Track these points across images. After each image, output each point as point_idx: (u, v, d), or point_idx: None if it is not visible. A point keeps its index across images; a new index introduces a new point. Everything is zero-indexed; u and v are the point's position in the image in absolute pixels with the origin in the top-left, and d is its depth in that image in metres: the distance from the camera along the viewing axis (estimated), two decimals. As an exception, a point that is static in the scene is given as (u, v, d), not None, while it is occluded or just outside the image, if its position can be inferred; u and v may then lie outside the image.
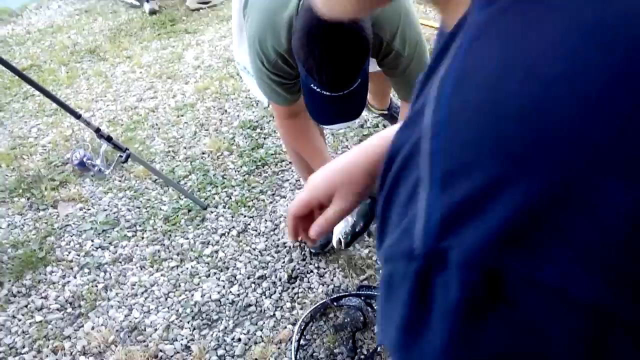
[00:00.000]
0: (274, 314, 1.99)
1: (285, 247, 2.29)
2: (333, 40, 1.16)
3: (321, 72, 1.19)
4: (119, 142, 2.22)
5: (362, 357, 1.79)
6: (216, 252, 2.31)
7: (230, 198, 2.62)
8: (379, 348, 1.80)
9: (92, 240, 2.42)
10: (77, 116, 2.12)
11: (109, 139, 2.17)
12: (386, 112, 2.49)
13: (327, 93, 1.23)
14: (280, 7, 1.34)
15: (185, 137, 3.15)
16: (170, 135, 3.19)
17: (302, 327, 1.90)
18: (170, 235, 2.42)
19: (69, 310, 2.09)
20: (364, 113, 2.63)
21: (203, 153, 2.99)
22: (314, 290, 2.07)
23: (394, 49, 1.43)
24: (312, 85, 1.24)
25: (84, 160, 2.15)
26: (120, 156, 2.16)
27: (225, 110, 3.39)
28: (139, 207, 2.61)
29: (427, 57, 1.58)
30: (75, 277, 2.23)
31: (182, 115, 3.38)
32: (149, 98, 3.64)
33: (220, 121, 3.28)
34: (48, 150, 3.14)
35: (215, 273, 2.20)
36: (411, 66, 1.53)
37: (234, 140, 3.06)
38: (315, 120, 1.45)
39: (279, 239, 2.33)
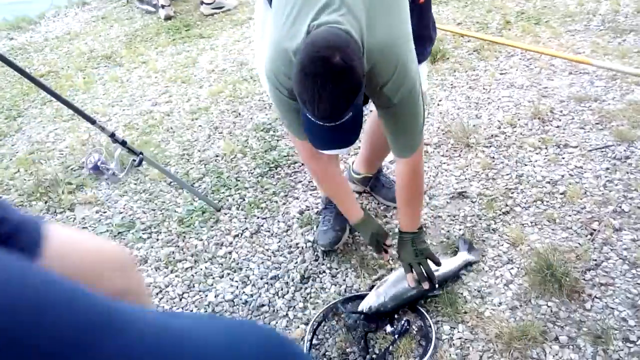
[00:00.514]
0: (287, 314, 2.00)
1: (298, 247, 2.30)
2: (324, 79, 1.27)
3: (313, 106, 1.31)
4: (132, 147, 2.25)
5: (374, 356, 1.79)
6: (230, 253, 2.33)
7: (244, 200, 2.64)
8: (390, 347, 1.80)
9: (108, 242, 2.46)
10: (92, 122, 2.16)
11: (123, 143, 2.20)
12: (371, 176, 2.48)
13: (320, 123, 1.35)
14: (290, 37, 1.43)
15: (199, 140, 3.19)
16: (184, 138, 3.22)
17: (315, 327, 1.91)
18: (184, 236, 2.45)
19: (86, 310, 2.12)
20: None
21: (217, 156, 3.02)
22: (327, 290, 2.08)
23: (385, 93, 1.51)
24: (307, 114, 1.36)
25: (98, 164, 2.19)
26: (134, 160, 2.19)
27: (239, 113, 3.42)
28: (153, 210, 2.65)
29: (420, 106, 1.60)
30: (91, 278, 2.26)
31: (196, 119, 3.42)
32: (164, 102, 3.68)
33: (234, 124, 3.31)
34: (65, 155, 3.19)
35: (228, 274, 2.22)
36: (402, 113, 1.58)
37: (248, 143, 3.08)
38: (313, 145, 1.54)
39: (291, 240, 2.34)
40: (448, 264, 2.03)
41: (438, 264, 1.93)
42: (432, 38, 1.96)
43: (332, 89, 1.28)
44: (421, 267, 1.88)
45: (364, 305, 1.89)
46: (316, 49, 1.28)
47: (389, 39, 1.45)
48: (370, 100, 1.70)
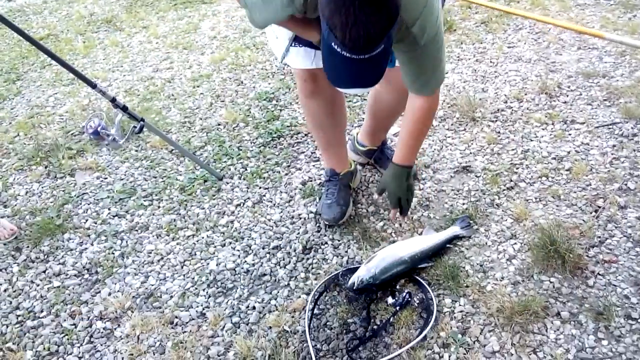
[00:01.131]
0: (288, 284, 2.00)
1: (300, 218, 2.28)
2: (364, 0, 1.11)
3: (345, 31, 1.14)
4: (134, 112, 2.21)
5: (375, 327, 1.79)
6: (231, 222, 2.31)
7: (246, 169, 2.61)
8: (391, 319, 1.80)
9: (109, 209, 2.44)
10: (93, 86, 2.12)
11: (124, 108, 2.16)
12: (375, 148, 2.44)
13: (348, 55, 1.19)
14: None
15: (201, 108, 3.15)
16: (186, 106, 3.18)
17: (316, 297, 1.91)
18: (186, 205, 2.43)
19: (86, 276, 2.12)
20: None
21: (219, 124, 2.98)
22: (329, 261, 2.07)
23: (412, 33, 1.41)
24: (332, 44, 1.20)
25: (99, 129, 2.16)
26: (134, 126, 2.15)
27: (242, 82, 3.37)
28: (155, 177, 2.62)
29: (444, 47, 1.55)
30: (92, 245, 2.25)
31: (198, 86, 3.37)
32: (165, 69, 3.62)
33: (236, 92, 3.26)
34: (65, 120, 3.15)
35: (230, 243, 2.21)
36: (427, 55, 1.51)
37: (250, 112, 3.04)
38: (331, 82, 1.37)
39: (294, 211, 2.33)
40: (437, 237, 2.05)
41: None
42: None
43: (371, 14, 1.11)
44: (408, 202, 1.92)
45: (354, 279, 1.89)
46: None
47: None
48: None
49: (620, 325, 1.70)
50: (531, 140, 2.57)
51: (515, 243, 2.05)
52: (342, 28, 1.13)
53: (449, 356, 1.68)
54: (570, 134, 2.58)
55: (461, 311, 1.82)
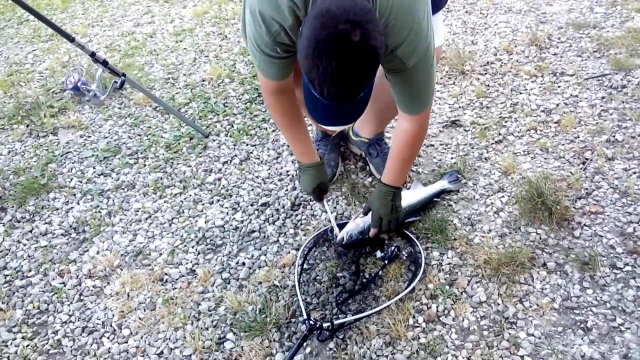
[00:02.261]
0: (278, 240, 2.00)
1: (288, 175, 2.27)
2: (341, 59, 1.08)
3: (323, 87, 1.13)
4: (115, 67, 2.15)
5: (365, 280, 1.81)
6: (219, 179, 2.29)
7: (232, 126, 2.57)
8: (380, 272, 1.82)
9: (94, 167, 2.41)
10: (71, 39, 2.05)
11: (104, 63, 2.10)
12: (367, 140, 2.23)
13: (327, 102, 1.19)
14: None
15: (184, 64, 3.07)
16: (169, 61, 3.10)
17: (306, 252, 1.91)
18: (172, 162, 2.40)
19: (74, 235, 2.10)
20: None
21: (203, 80, 2.92)
22: (317, 217, 2.07)
23: (397, 56, 1.35)
24: (313, 91, 1.19)
25: (79, 84, 2.09)
26: (115, 82, 2.09)
27: (225, 36, 3.28)
28: (139, 135, 2.58)
29: (434, 68, 1.48)
30: (78, 204, 2.23)
31: (180, 41, 3.29)
32: (147, 23, 3.52)
33: (220, 47, 3.19)
34: (45, 77, 3.07)
35: (218, 200, 2.19)
36: (416, 77, 1.45)
37: (235, 67, 2.98)
38: (314, 119, 1.37)
39: (281, 167, 2.31)
40: (425, 190, 2.05)
41: (399, 230, 1.93)
42: None
43: (348, 72, 1.10)
44: (390, 224, 1.85)
45: (343, 234, 1.88)
46: (333, 22, 1.07)
47: None
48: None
49: (605, 274, 1.73)
50: (520, 93, 2.55)
51: (503, 196, 2.06)
52: (320, 84, 1.13)
53: (437, 307, 1.70)
54: (559, 86, 2.56)
55: (449, 263, 1.83)
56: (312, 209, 2.11)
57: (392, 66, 1.40)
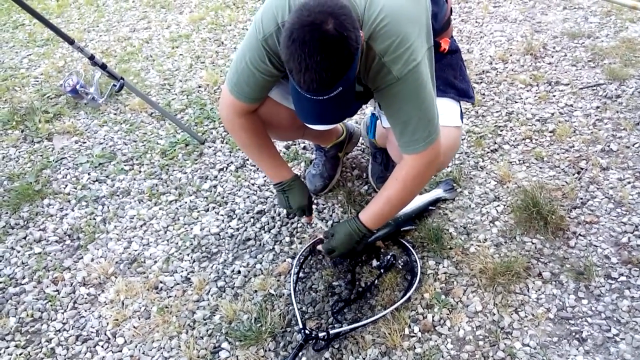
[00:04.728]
0: (273, 248, 1.99)
1: (284, 182, 2.26)
2: (313, 47, 1.14)
3: (299, 76, 1.19)
4: (113, 71, 2.15)
5: (360, 289, 1.81)
6: (215, 186, 2.29)
7: (228, 133, 2.57)
8: (376, 281, 1.81)
9: (89, 174, 2.40)
10: (71, 42, 2.04)
11: (103, 66, 2.10)
12: (379, 148, 2.15)
13: (308, 95, 1.24)
14: None
15: (180, 70, 3.07)
16: (165, 67, 3.10)
17: (301, 261, 1.91)
18: (167, 169, 2.39)
19: (68, 242, 2.09)
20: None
21: (199, 86, 2.92)
22: (313, 225, 2.06)
23: (385, 64, 1.34)
24: (294, 84, 1.25)
25: (77, 87, 2.09)
26: (114, 85, 2.09)
27: (222, 42, 3.28)
28: (135, 141, 2.57)
29: (429, 90, 1.42)
30: (73, 210, 2.22)
31: (177, 47, 3.28)
32: (143, 28, 3.52)
33: (217, 53, 3.19)
34: (40, 82, 3.06)
35: (214, 207, 2.19)
36: (406, 91, 1.39)
37: (232, 74, 2.97)
38: (298, 117, 1.40)
39: (277, 174, 2.30)
40: (420, 199, 2.05)
41: (355, 261, 1.89)
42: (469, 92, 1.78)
43: (321, 60, 1.16)
44: (338, 257, 1.81)
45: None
46: (307, 12, 1.15)
47: (398, 5, 1.33)
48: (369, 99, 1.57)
49: (600, 284, 1.74)
50: (515, 102, 2.56)
51: (499, 205, 2.06)
52: (297, 73, 1.19)
53: (433, 317, 1.70)
54: (554, 96, 2.57)
55: (445, 273, 1.83)
56: (308, 217, 2.10)
57: (381, 78, 1.38)
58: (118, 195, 2.28)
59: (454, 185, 2.14)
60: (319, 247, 1.85)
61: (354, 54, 1.20)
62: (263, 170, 1.90)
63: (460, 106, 1.77)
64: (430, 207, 2.06)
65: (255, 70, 1.46)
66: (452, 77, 1.73)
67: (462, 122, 1.77)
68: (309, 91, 1.23)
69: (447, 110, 1.67)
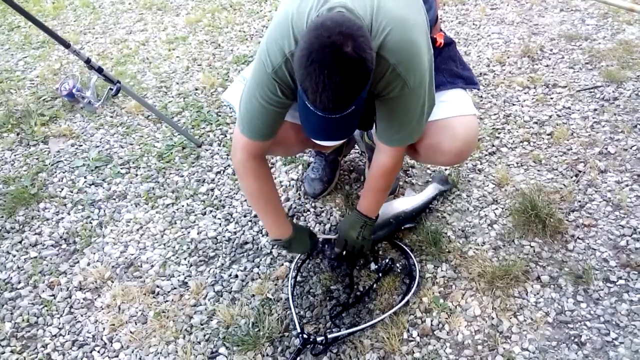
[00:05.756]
0: (271, 252, 1.98)
1: (282, 186, 2.26)
2: (332, 69, 1.14)
3: (315, 96, 1.19)
4: (110, 74, 2.14)
5: (358, 293, 1.80)
6: (212, 190, 2.28)
7: (225, 136, 2.56)
8: (374, 285, 1.81)
9: (85, 177, 2.38)
10: (67, 45, 2.03)
11: (99, 70, 2.09)
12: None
13: (320, 113, 1.23)
14: (300, 15, 1.31)
15: (177, 72, 3.06)
16: (162, 70, 3.09)
17: (299, 265, 1.90)
18: (164, 172, 2.38)
19: (64, 246, 2.07)
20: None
21: (196, 89, 2.91)
22: (311, 228, 2.05)
23: (400, 74, 1.34)
24: (306, 102, 1.24)
25: (74, 91, 2.07)
26: (111, 89, 2.08)
27: (219, 45, 3.27)
28: (131, 144, 2.56)
29: (432, 99, 1.48)
30: (69, 214, 2.20)
31: (173, 49, 3.27)
32: (139, 31, 3.50)
33: (214, 56, 3.18)
34: (36, 85, 3.04)
35: (211, 211, 2.17)
36: (412, 100, 1.42)
37: (228, 76, 2.97)
38: (306, 133, 1.40)
39: (275, 178, 2.30)
40: (419, 197, 2.05)
41: (353, 264, 1.89)
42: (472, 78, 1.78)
43: (340, 82, 1.16)
44: (355, 249, 1.82)
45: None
46: (327, 33, 1.14)
47: (404, 14, 1.33)
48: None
49: (599, 288, 1.73)
50: (513, 105, 2.56)
51: (497, 208, 2.06)
52: (313, 93, 1.18)
53: (431, 321, 1.69)
54: (552, 98, 2.57)
55: (443, 276, 1.83)
56: (305, 220, 2.10)
57: (392, 87, 1.38)
58: (114, 199, 2.27)
59: (447, 177, 2.16)
60: (327, 252, 1.87)
61: (370, 74, 1.21)
62: (264, 223, 1.93)
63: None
64: (429, 206, 2.06)
65: (267, 104, 1.44)
66: (454, 67, 1.74)
67: None
68: (324, 110, 1.22)
69: (460, 100, 1.67)
